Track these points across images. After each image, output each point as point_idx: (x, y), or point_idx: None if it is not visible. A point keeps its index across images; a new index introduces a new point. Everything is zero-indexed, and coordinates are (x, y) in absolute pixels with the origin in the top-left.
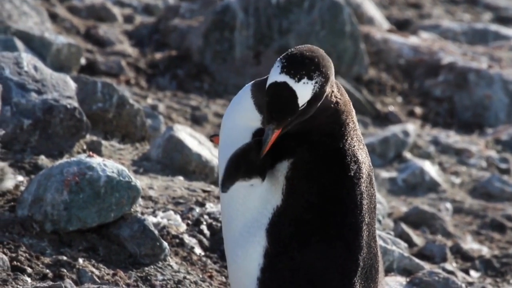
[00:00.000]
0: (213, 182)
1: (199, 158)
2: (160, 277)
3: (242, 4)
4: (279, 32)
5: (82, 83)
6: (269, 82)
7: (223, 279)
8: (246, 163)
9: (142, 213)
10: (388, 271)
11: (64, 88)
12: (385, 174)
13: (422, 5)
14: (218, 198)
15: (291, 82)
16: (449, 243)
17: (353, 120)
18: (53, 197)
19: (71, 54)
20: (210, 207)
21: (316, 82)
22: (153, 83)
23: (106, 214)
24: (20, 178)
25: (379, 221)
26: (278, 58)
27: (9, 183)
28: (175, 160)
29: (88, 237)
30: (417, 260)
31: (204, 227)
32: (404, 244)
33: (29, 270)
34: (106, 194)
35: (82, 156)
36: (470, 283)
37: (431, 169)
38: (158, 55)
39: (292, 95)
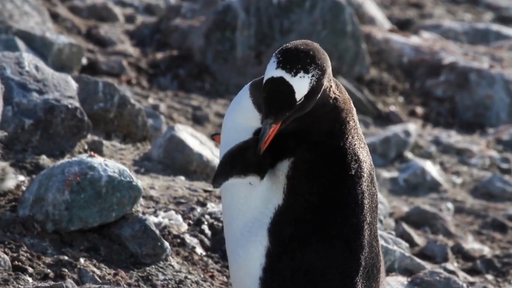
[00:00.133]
0: None
1: (200, 158)
2: (161, 277)
3: (243, 4)
4: (281, 32)
5: (84, 83)
6: (265, 78)
7: (225, 279)
8: (242, 160)
9: (144, 213)
10: (389, 271)
11: (65, 88)
12: (386, 174)
13: (423, 5)
14: (219, 198)
15: (287, 77)
16: (450, 243)
17: (353, 119)
18: (55, 197)
19: (73, 54)
20: (212, 207)
21: (312, 76)
22: (155, 83)
23: (108, 214)
24: (22, 178)
25: (381, 221)
26: (274, 54)
27: (10, 183)
28: (176, 160)
29: (90, 237)
30: (418, 260)
31: (205, 227)
32: (405, 244)
33: (30, 270)
34: (107, 194)
35: (84, 156)
36: (472, 283)
37: (432, 169)
38: (159, 55)
39: (289, 89)
